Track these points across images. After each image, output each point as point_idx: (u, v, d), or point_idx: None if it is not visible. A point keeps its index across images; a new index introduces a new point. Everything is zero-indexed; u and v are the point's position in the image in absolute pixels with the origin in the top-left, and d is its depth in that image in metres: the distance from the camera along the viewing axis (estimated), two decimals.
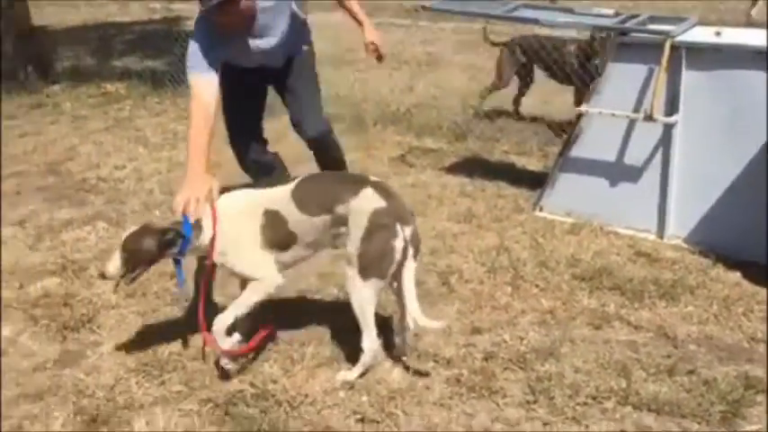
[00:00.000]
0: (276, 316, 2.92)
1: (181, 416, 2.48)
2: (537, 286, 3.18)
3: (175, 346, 2.83)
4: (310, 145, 3.63)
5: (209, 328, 2.56)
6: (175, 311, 3.09)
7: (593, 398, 2.43)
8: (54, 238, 3.79)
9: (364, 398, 2.51)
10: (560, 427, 2.33)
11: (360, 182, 2.56)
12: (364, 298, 2.51)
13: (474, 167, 4.60)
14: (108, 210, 4.14)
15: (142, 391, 2.59)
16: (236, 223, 2.57)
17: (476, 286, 3.21)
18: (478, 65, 7.36)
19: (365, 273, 2.46)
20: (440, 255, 3.50)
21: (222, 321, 2.57)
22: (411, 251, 2.50)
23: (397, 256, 2.46)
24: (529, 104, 5.66)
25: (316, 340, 2.83)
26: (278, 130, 4.12)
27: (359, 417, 2.43)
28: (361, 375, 2.60)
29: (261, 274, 2.57)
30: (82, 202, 4.28)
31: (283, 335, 2.85)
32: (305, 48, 3.52)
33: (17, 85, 6.97)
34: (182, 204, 2.56)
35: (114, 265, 2.46)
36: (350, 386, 2.56)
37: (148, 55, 7.98)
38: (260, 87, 3.57)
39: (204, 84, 2.92)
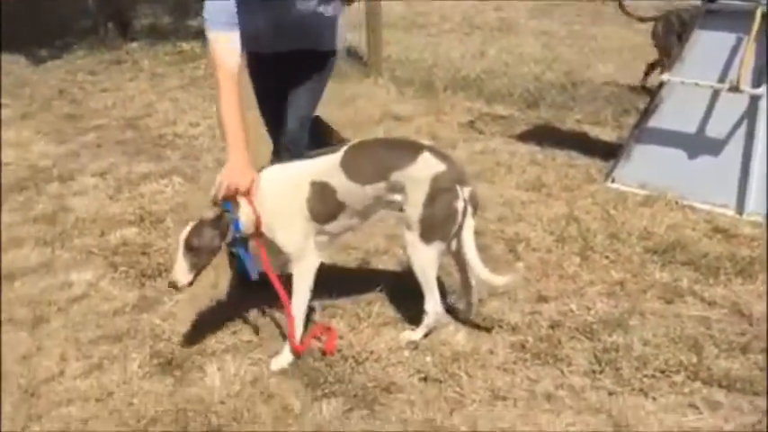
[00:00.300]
0: (343, 275, 2.98)
1: (250, 364, 2.56)
2: (606, 258, 3.13)
3: (246, 298, 2.92)
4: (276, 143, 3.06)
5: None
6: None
7: (662, 371, 2.40)
8: (132, 190, 3.94)
9: (428, 358, 2.55)
10: (626, 397, 2.31)
11: (415, 147, 2.54)
12: (427, 261, 2.52)
13: (545, 136, 4.52)
14: (183, 165, 4.26)
15: (215, 339, 2.69)
16: (280, 198, 2.52)
17: (543, 255, 3.19)
18: (552, 31, 7.20)
19: (428, 236, 2.47)
20: (507, 222, 3.48)
21: (296, 317, 2.56)
22: (470, 210, 2.52)
23: (459, 217, 2.48)
24: (604, 73, 5.51)
25: (381, 300, 2.87)
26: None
27: (422, 376, 2.46)
28: (425, 336, 2.63)
29: (299, 254, 2.53)
30: (159, 156, 4.41)
31: (349, 295, 2.90)
32: (335, 47, 2.98)
33: (98, 40, 7.19)
34: (221, 194, 2.45)
35: (182, 271, 2.37)
36: (414, 346, 2.60)
37: None
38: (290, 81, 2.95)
39: (225, 44, 2.54)
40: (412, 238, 2.50)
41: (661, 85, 3.67)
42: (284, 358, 2.55)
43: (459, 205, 2.46)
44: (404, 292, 2.84)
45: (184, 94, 5.58)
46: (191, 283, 2.42)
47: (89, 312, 2.90)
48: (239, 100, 2.55)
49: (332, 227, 2.59)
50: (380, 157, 2.53)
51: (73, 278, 3.12)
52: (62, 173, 4.15)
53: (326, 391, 2.41)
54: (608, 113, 4.85)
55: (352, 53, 6.22)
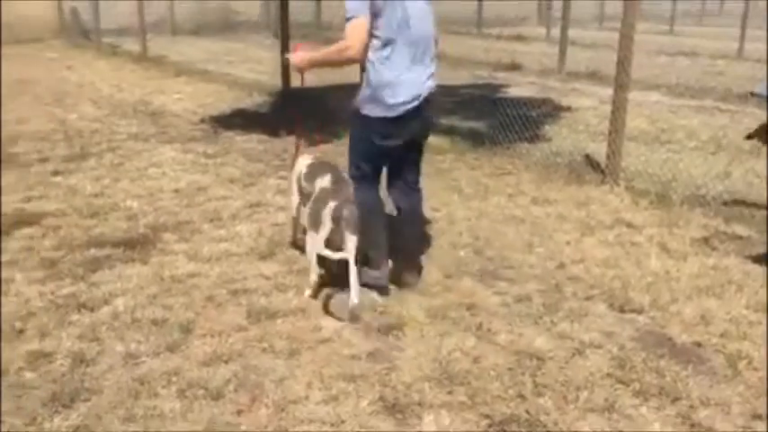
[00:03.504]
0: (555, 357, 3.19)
1: (462, 422, 2.86)
2: None
3: (464, 363, 3.25)
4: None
5: None
6: (469, 336, 3.52)
7: None
8: None
9: None
10: None
11: None
12: None
13: None
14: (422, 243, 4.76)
15: (432, 394, 3.04)
16: None
17: (765, 375, 3.14)
18: None
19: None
20: (731, 338, 3.47)
21: None
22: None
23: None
24: None
25: (591, 385, 3.03)
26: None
27: None
28: None
29: None
30: None
31: (558, 374, 3.11)
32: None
33: None
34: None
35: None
36: None
37: (471, 116, 8.76)
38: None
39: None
40: None
41: None
42: None
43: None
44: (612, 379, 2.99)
45: (429, 182, 6.11)
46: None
47: (332, 354, 3.40)
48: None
49: None
50: None
51: (323, 324, 3.67)
52: None
53: None
54: None
55: (590, 160, 6.48)
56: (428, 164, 6.74)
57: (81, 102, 9.74)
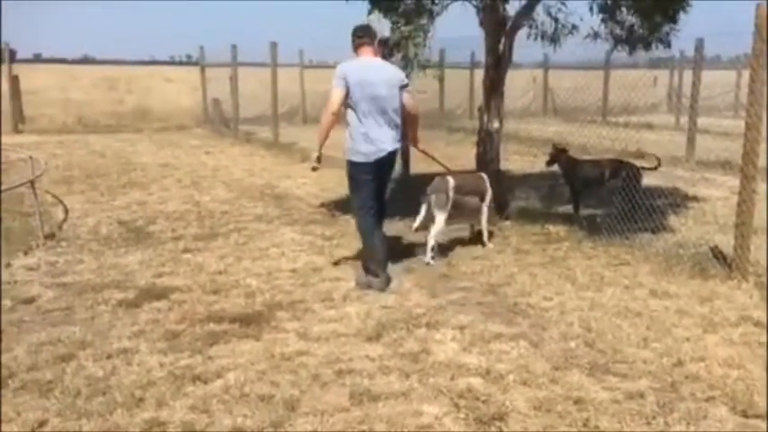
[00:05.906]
0: None
1: None
2: None
3: None
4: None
5: None
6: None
7: None
8: (483, 346, 4.43)
9: None
10: None
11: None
12: None
13: None
14: (530, 332, 4.66)
15: None
16: None
17: None
18: None
19: None
20: None
21: None
22: None
23: None
24: None
25: None
26: None
27: None
28: None
29: None
30: (511, 321, 4.89)
31: None
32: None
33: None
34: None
35: None
36: None
37: (590, 205, 8.57)
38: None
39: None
40: None
41: None
42: None
43: None
44: None
45: (543, 271, 6.08)
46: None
47: None
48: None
49: None
50: None
51: (423, 409, 3.64)
52: (430, 321, 4.85)
53: None
54: None
55: (717, 253, 6.16)
56: (542, 252, 6.71)
57: (215, 185, 10.46)
